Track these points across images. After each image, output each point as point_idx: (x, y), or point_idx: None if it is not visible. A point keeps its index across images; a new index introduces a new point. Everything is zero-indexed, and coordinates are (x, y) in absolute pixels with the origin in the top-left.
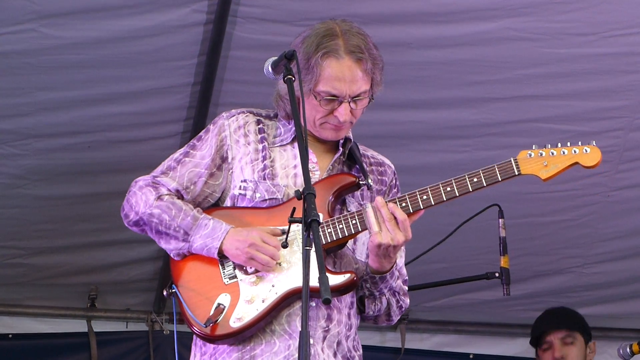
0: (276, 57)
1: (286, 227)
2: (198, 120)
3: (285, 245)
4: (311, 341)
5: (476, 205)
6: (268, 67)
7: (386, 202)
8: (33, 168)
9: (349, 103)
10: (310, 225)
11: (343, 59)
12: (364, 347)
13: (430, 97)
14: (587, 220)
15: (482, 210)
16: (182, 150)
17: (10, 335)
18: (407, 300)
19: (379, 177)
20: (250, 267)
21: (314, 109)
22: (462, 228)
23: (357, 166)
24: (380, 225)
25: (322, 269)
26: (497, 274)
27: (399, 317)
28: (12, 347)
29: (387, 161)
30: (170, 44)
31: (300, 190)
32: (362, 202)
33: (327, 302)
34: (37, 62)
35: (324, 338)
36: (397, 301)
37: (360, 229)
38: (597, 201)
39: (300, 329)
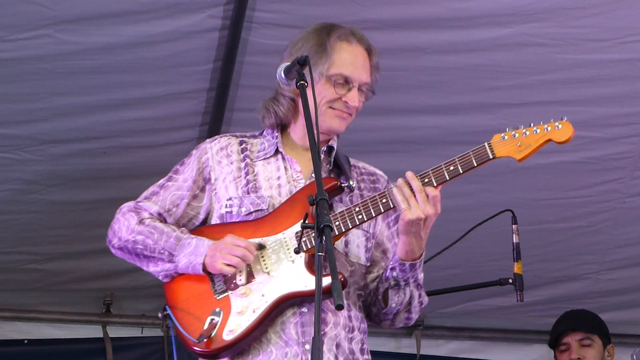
0: (289, 63)
1: (272, 237)
2: (213, 125)
3: (297, 250)
4: (307, 347)
5: (489, 211)
6: (281, 72)
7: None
8: (48, 174)
9: (358, 91)
10: (322, 231)
11: (356, 45)
12: (380, 354)
13: (446, 102)
14: (603, 226)
15: (494, 215)
16: (166, 176)
17: (25, 341)
18: (427, 298)
19: (371, 186)
20: (240, 277)
21: (322, 94)
22: (476, 234)
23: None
24: (409, 201)
25: (335, 275)
26: (510, 280)
27: (417, 315)
28: (27, 353)
29: (379, 172)
30: (185, 50)
31: (313, 196)
32: (350, 207)
33: (339, 308)
34: (52, 68)
35: (322, 342)
36: (419, 295)
37: (343, 230)
38: (613, 207)
39: (294, 336)
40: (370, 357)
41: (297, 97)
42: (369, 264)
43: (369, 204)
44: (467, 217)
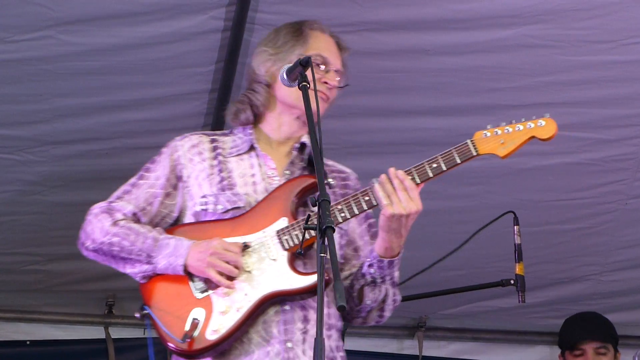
0: (291, 64)
1: (252, 236)
2: (215, 127)
3: (300, 252)
4: (289, 345)
5: (492, 213)
6: (283, 74)
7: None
8: (50, 175)
9: (335, 74)
10: (325, 232)
11: (327, 35)
12: (382, 355)
13: (448, 103)
14: (605, 228)
15: (498, 218)
16: (137, 175)
17: (27, 342)
18: (400, 297)
19: (342, 183)
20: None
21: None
22: (479, 236)
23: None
24: (391, 197)
25: (337, 277)
26: (512, 281)
27: (390, 314)
28: (29, 353)
29: (348, 169)
30: (187, 51)
31: (315, 197)
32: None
33: (342, 310)
34: (54, 69)
35: (304, 340)
36: (394, 293)
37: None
38: (615, 209)
39: (276, 335)
40: (344, 354)
41: (273, 82)
42: (342, 261)
43: (351, 201)
44: (469, 219)
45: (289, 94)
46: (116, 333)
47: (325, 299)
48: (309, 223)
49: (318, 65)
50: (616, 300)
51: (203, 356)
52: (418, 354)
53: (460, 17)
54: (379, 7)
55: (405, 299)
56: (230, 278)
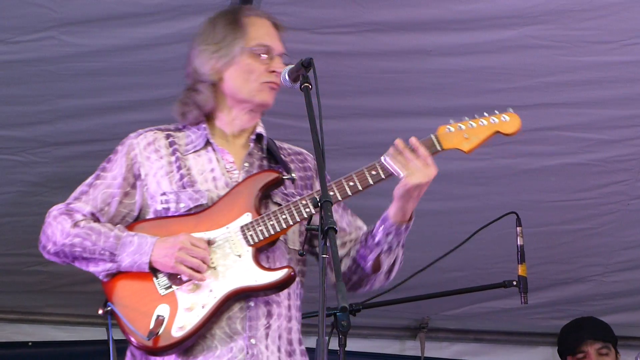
0: (293, 65)
1: (215, 232)
2: None
3: (302, 254)
4: (253, 341)
5: (494, 214)
6: (285, 74)
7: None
8: (52, 176)
9: (280, 58)
10: (327, 233)
11: (263, 19)
12: (384, 356)
13: (450, 104)
14: (607, 228)
15: (499, 218)
16: (93, 174)
17: (30, 343)
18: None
19: (300, 165)
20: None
21: (252, 68)
22: (481, 237)
23: (278, 161)
24: (409, 168)
25: (339, 277)
26: (514, 282)
27: (394, 275)
28: (31, 355)
29: (304, 150)
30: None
31: (317, 197)
32: (285, 192)
33: (344, 310)
34: (56, 70)
35: (267, 335)
36: (402, 254)
37: (291, 223)
38: (617, 209)
39: (240, 331)
40: (304, 347)
41: (219, 80)
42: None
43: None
44: (472, 219)
45: (240, 89)
46: (118, 334)
47: (287, 290)
48: (310, 224)
49: (260, 55)
50: (619, 301)
51: (168, 353)
52: (420, 355)
53: (462, 18)
54: (381, 7)
55: (407, 300)
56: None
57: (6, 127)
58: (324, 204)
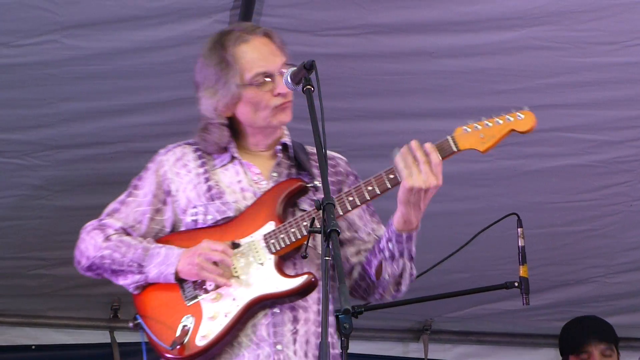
0: (295, 68)
1: (240, 241)
2: None
3: (304, 255)
4: (279, 347)
5: (496, 216)
6: (287, 77)
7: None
8: (55, 179)
9: (281, 76)
10: (329, 235)
11: (253, 38)
12: (387, 358)
13: (452, 106)
14: (610, 230)
15: (501, 219)
16: (125, 192)
17: (33, 347)
18: (415, 271)
19: (332, 170)
20: (210, 284)
21: (258, 100)
22: (483, 238)
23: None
24: (411, 169)
25: (342, 280)
26: (516, 284)
27: (407, 289)
28: (35, 358)
29: (337, 154)
30: (192, 55)
31: (320, 200)
32: (313, 199)
33: (346, 313)
34: (59, 73)
35: (294, 340)
36: (411, 267)
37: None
38: (620, 211)
39: (266, 337)
40: (337, 351)
41: (231, 115)
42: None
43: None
44: (474, 221)
45: (254, 120)
46: (121, 337)
47: (317, 294)
48: (313, 226)
49: (261, 85)
50: (621, 302)
51: None
52: (423, 357)
53: (464, 19)
54: (383, 9)
55: (410, 302)
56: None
57: (8, 131)
58: (326, 206)
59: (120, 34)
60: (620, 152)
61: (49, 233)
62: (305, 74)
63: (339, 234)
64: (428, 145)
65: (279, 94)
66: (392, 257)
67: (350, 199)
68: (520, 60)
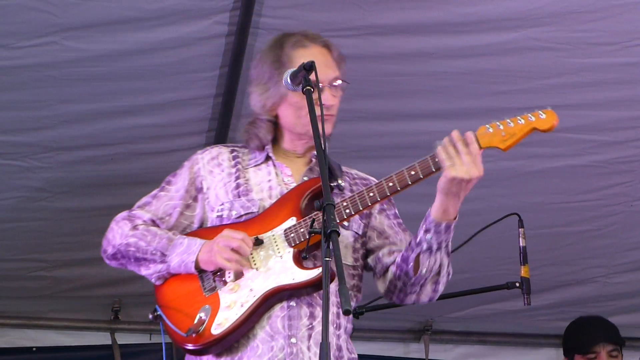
0: (295, 69)
1: (262, 236)
2: (220, 132)
3: (305, 256)
4: (293, 340)
5: (498, 216)
6: (287, 78)
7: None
8: (55, 181)
9: (330, 89)
10: (329, 236)
11: (312, 46)
12: (388, 359)
13: (453, 107)
14: (611, 230)
15: (501, 219)
16: (158, 187)
17: (34, 349)
18: (451, 270)
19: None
20: (229, 274)
21: (301, 105)
22: (483, 238)
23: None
24: (454, 159)
25: (342, 280)
26: (517, 284)
27: (443, 288)
28: None
29: (371, 177)
30: (192, 56)
31: (320, 201)
32: (337, 200)
33: (346, 314)
34: (59, 75)
35: (309, 336)
36: (448, 264)
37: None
38: (621, 211)
39: (280, 329)
40: (356, 356)
41: (276, 115)
42: (357, 264)
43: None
44: (476, 222)
45: (295, 125)
46: (122, 339)
47: (335, 299)
48: (313, 227)
49: (307, 91)
50: (622, 302)
51: (208, 351)
52: (425, 357)
53: (465, 20)
54: (384, 10)
55: None
56: (239, 272)
57: (9, 133)
58: (326, 207)
59: (120, 35)
60: (620, 152)
61: (50, 235)
62: (304, 74)
63: (339, 234)
64: (469, 135)
65: (323, 105)
66: (430, 249)
67: (371, 194)
68: (521, 61)
